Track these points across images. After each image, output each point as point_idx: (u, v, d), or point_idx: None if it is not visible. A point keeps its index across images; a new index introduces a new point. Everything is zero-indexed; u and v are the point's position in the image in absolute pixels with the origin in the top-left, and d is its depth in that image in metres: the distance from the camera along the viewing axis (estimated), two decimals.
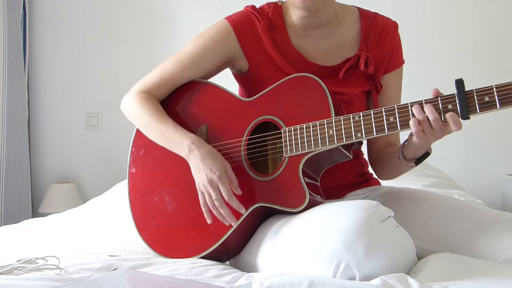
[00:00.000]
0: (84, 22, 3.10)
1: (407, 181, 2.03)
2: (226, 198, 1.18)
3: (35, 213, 2.99)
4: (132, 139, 1.40)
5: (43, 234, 1.68)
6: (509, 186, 2.46)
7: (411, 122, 1.09)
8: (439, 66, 2.64)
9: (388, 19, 1.39)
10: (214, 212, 1.20)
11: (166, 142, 1.30)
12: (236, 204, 1.19)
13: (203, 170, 1.21)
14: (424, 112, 1.08)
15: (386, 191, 1.39)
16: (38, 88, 3.13)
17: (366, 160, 1.47)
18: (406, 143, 1.22)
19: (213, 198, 1.19)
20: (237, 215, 1.20)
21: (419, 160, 1.23)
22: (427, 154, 1.22)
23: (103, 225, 1.79)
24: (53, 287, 0.95)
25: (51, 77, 3.13)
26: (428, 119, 1.08)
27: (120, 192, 2.01)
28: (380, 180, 1.48)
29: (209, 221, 1.21)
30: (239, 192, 1.20)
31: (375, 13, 1.40)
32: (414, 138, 1.14)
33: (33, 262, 1.11)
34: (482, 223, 1.18)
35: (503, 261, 1.09)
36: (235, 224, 1.19)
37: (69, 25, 3.11)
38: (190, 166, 1.25)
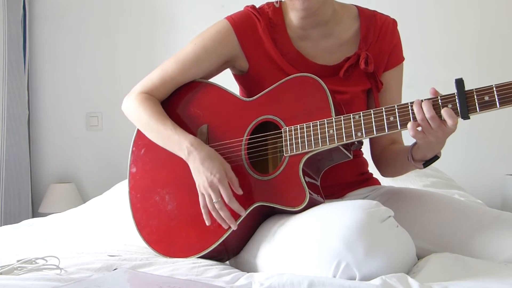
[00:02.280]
0: (84, 22, 3.10)
1: (407, 181, 2.03)
2: (226, 200, 1.19)
3: (35, 213, 2.99)
4: (133, 139, 1.40)
5: (43, 234, 1.68)
6: (509, 186, 2.46)
7: (408, 125, 1.09)
8: (439, 66, 2.64)
9: (387, 16, 1.40)
10: (214, 214, 1.21)
11: (165, 143, 1.30)
12: (236, 206, 1.19)
13: (203, 173, 1.21)
14: (423, 111, 1.08)
15: (386, 191, 1.39)
16: (38, 88, 3.13)
17: (366, 160, 1.47)
18: (416, 144, 1.21)
19: (214, 201, 1.19)
20: (236, 216, 1.21)
21: (427, 163, 1.22)
22: (436, 157, 1.21)
23: (103, 225, 1.79)
24: (53, 287, 0.95)
25: (51, 77, 3.13)
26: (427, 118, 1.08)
27: (120, 192, 2.01)
28: (380, 180, 1.48)
29: (207, 223, 1.22)
30: (240, 192, 1.20)
31: (374, 11, 1.40)
32: (416, 140, 1.13)
33: (33, 262, 1.10)
34: (482, 223, 1.18)
35: (503, 261, 1.09)
36: (234, 227, 1.20)
37: (69, 25, 3.11)
38: (190, 168, 1.25)
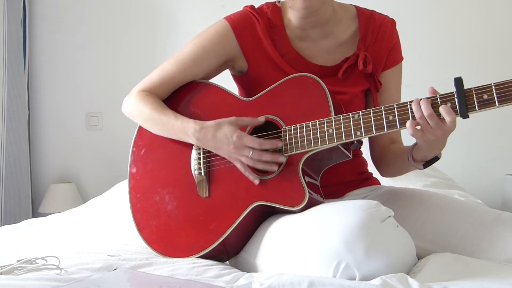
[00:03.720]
0: (84, 22, 3.10)
1: (407, 181, 2.03)
2: (259, 146, 1.19)
3: (35, 213, 2.99)
4: (133, 139, 1.40)
5: (43, 234, 1.68)
6: (509, 186, 2.46)
7: (407, 124, 1.09)
8: (439, 66, 2.64)
9: (386, 16, 1.40)
10: (260, 166, 1.20)
11: (170, 132, 1.31)
12: (269, 144, 1.20)
13: (222, 144, 1.22)
14: (421, 109, 1.08)
15: (386, 190, 1.39)
16: (38, 88, 3.13)
17: (365, 159, 1.47)
18: (416, 145, 1.21)
19: (249, 156, 1.19)
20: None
21: (428, 163, 1.22)
22: (436, 158, 1.21)
23: (103, 225, 1.79)
24: (53, 287, 0.95)
25: (51, 77, 3.13)
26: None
27: (120, 192, 2.01)
28: (379, 180, 1.48)
29: (256, 182, 1.21)
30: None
31: (372, 11, 1.40)
32: (416, 139, 1.13)
33: (33, 262, 1.10)
34: (482, 223, 1.18)
35: (503, 261, 1.09)
36: (283, 159, 1.19)
37: (69, 25, 3.11)
38: (208, 148, 1.26)
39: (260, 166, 1.21)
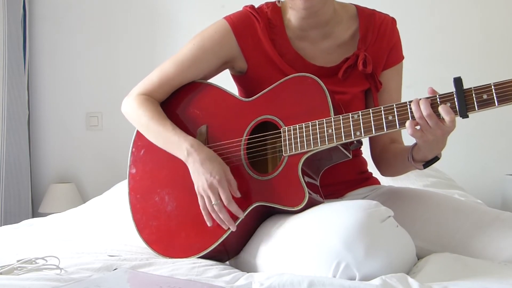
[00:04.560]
0: (84, 22, 3.10)
1: (407, 181, 2.03)
2: (225, 203, 1.19)
3: (35, 213, 2.99)
4: (133, 139, 1.40)
5: (43, 234, 1.68)
6: (509, 186, 2.45)
7: (407, 124, 1.09)
8: (439, 66, 2.64)
9: (386, 15, 1.39)
10: (214, 216, 1.21)
11: (165, 144, 1.30)
12: (235, 209, 1.19)
13: (203, 174, 1.21)
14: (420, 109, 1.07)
15: (385, 190, 1.39)
16: (38, 88, 3.13)
17: (365, 159, 1.47)
18: (416, 145, 1.21)
19: (213, 203, 1.20)
20: (235, 218, 1.21)
21: (428, 164, 1.22)
22: (436, 158, 1.21)
23: (103, 225, 1.79)
24: (53, 287, 0.95)
25: (51, 77, 3.13)
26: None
27: (120, 192, 2.01)
28: (379, 180, 1.48)
29: (209, 224, 1.22)
30: (238, 195, 1.21)
31: (373, 10, 1.39)
32: (415, 139, 1.13)
33: (33, 262, 1.10)
34: (482, 223, 1.18)
35: (502, 261, 1.08)
36: (233, 228, 1.20)
37: (69, 25, 3.11)
38: (190, 169, 1.25)
39: (213, 216, 1.21)
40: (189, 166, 1.25)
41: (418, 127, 1.09)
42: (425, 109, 1.06)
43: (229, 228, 1.21)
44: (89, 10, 3.10)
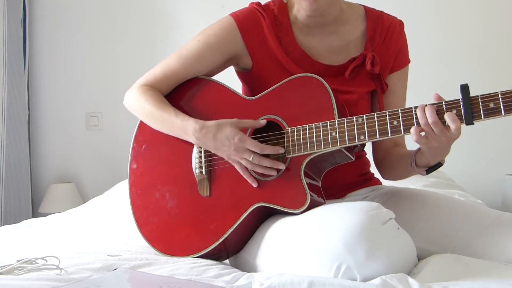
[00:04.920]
0: (84, 22, 3.10)
1: (407, 181, 2.00)
2: (260, 150, 1.18)
3: (35, 213, 2.99)
4: (134, 134, 1.39)
5: (43, 234, 1.68)
6: (509, 186, 2.45)
7: (412, 130, 1.08)
8: (439, 66, 2.64)
9: (394, 17, 1.38)
10: (258, 170, 1.20)
11: (171, 130, 1.30)
12: (270, 149, 1.19)
13: (223, 144, 1.21)
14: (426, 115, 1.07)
15: (386, 191, 1.38)
16: (38, 88, 3.13)
17: (368, 160, 1.46)
18: (420, 151, 1.20)
19: (249, 159, 1.19)
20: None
21: (430, 169, 1.22)
22: (439, 164, 1.21)
23: (103, 225, 1.79)
24: (53, 287, 0.95)
25: (51, 77, 3.13)
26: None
27: (120, 192, 2.01)
28: (380, 180, 1.48)
29: (254, 185, 1.21)
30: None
31: (381, 11, 1.39)
32: (420, 145, 1.13)
33: (33, 262, 1.10)
34: (483, 223, 1.18)
35: (503, 261, 1.08)
36: (282, 167, 1.18)
37: (69, 25, 3.11)
38: (208, 148, 1.25)
39: (259, 170, 1.20)
40: (204, 145, 1.24)
41: (423, 134, 1.08)
42: (430, 116, 1.06)
43: (229, 228, 1.20)
44: (89, 10, 3.10)
